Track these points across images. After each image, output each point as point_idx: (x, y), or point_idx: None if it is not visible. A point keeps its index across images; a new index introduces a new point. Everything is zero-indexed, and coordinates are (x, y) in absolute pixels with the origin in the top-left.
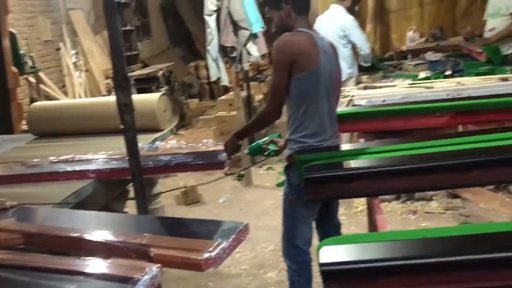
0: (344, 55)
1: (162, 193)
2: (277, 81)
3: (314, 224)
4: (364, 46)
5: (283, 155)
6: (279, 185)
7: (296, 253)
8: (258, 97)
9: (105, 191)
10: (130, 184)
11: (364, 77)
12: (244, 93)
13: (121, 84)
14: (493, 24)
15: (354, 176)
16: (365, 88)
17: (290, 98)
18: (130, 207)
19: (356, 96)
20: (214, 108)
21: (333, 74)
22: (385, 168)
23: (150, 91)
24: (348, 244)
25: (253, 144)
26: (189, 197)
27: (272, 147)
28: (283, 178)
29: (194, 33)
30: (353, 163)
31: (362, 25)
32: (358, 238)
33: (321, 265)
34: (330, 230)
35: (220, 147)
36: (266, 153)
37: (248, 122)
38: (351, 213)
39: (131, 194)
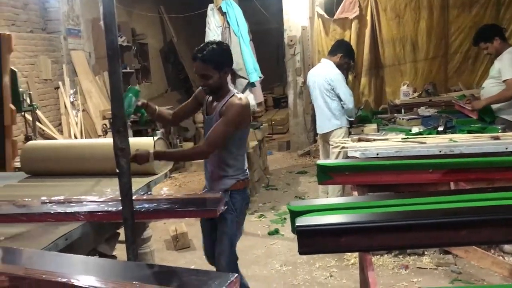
0: (331, 107)
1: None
2: (228, 133)
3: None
4: (348, 101)
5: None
6: (270, 233)
7: (236, 265)
8: (252, 143)
9: (95, 234)
10: (120, 227)
11: (358, 129)
12: None
13: (119, 129)
14: (485, 83)
15: (345, 230)
16: (359, 140)
17: (234, 144)
18: (119, 249)
19: (350, 148)
20: None
21: None
22: (377, 224)
23: (146, 133)
24: None
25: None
26: (179, 242)
27: (142, 112)
28: (275, 226)
29: (192, 78)
30: (345, 218)
31: (358, 78)
32: None
33: None
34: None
35: (216, 195)
36: (141, 120)
37: (175, 151)
38: (343, 265)
39: (121, 236)
